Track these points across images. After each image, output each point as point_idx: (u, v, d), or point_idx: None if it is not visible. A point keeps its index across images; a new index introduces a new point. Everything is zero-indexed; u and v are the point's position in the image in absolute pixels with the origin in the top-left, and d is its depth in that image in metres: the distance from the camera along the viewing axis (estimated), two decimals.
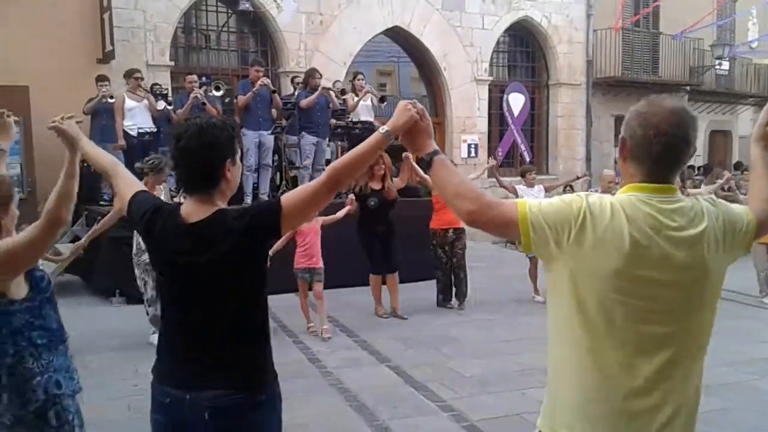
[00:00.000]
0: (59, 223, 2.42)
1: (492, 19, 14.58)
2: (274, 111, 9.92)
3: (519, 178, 9.18)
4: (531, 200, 1.85)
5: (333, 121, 10.23)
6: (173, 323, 2.24)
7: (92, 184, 9.14)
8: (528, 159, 15.22)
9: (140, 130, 9.21)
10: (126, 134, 9.13)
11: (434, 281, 8.33)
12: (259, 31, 12.75)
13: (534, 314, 7.82)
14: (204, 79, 10.39)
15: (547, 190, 8.89)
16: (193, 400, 2.11)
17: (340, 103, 10.19)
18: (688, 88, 17.72)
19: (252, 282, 2.17)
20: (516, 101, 14.99)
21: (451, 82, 14.26)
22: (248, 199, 9.45)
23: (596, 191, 9.18)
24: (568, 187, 11.18)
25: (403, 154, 7.65)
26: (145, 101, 9.32)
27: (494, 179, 9.20)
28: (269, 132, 9.66)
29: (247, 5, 11.74)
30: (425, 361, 6.05)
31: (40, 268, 2.61)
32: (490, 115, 14.95)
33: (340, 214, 7.11)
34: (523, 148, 15.21)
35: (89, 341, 6.52)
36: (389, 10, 13.36)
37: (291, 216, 2.12)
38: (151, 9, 11.26)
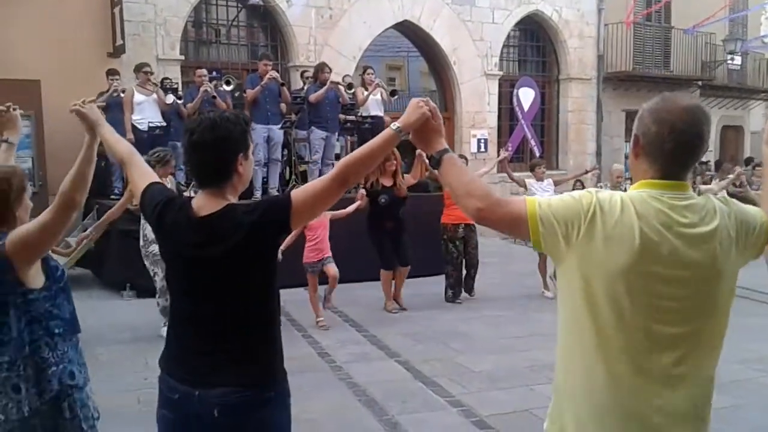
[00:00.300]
0: (73, 206, 2.42)
1: (502, 13, 14.52)
2: (283, 105, 9.93)
3: (529, 172, 9.16)
4: (540, 197, 1.84)
5: (342, 115, 10.23)
6: (182, 316, 2.23)
7: (103, 178, 9.20)
8: (538, 154, 15.14)
9: (150, 124, 9.24)
10: (135, 128, 9.16)
11: (442, 276, 8.33)
12: (268, 26, 12.75)
13: (544, 310, 7.80)
14: (214, 73, 10.41)
15: (556, 184, 8.87)
16: (202, 397, 2.10)
17: (350, 98, 10.18)
18: (699, 83, 17.61)
19: (262, 277, 2.16)
20: (526, 96, 14.93)
21: (461, 77, 14.21)
22: (258, 194, 9.47)
23: (605, 186, 9.19)
24: (578, 182, 11.15)
25: (417, 151, 7.64)
26: (154, 95, 9.34)
27: (505, 173, 9.18)
28: (278, 126, 9.67)
29: None
30: (434, 356, 6.05)
31: (54, 258, 2.61)
32: (500, 109, 14.90)
33: (350, 209, 7.13)
34: (533, 143, 15.16)
35: (100, 334, 6.56)
36: (399, 4, 13.33)
37: (301, 211, 2.11)
38: (162, 3, 11.28)
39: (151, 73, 9.56)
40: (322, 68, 9.96)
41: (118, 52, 10.57)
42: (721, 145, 19.31)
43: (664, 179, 1.80)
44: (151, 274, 6.43)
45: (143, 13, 11.15)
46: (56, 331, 2.48)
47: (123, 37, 10.44)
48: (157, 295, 6.41)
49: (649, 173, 1.82)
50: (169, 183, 6.49)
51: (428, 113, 2.04)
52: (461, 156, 8.75)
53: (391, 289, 7.84)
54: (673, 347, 1.77)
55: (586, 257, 1.75)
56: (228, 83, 9.67)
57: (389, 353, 6.17)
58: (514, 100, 14.89)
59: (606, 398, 1.78)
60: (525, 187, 8.70)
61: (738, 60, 18.24)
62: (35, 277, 2.43)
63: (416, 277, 8.66)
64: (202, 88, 9.25)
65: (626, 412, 1.77)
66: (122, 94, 9.23)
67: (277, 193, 9.13)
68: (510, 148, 14.44)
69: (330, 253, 7.04)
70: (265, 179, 9.62)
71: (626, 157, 16.95)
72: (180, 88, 10.18)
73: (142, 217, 6.43)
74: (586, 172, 10.65)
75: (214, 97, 9.22)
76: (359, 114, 10.30)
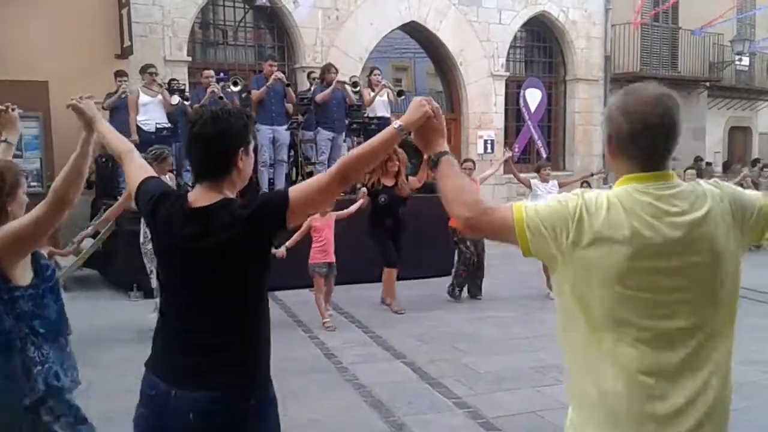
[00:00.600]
0: (66, 203, 2.38)
1: (509, 14, 14.50)
2: (290, 106, 9.95)
3: (534, 173, 9.15)
4: (527, 202, 1.82)
5: (349, 117, 10.24)
6: (168, 313, 2.18)
7: (110, 179, 9.23)
8: (545, 155, 15.13)
9: (158, 125, 9.27)
10: (140, 129, 9.19)
11: (448, 277, 8.37)
12: (275, 27, 12.77)
13: (550, 311, 7.76)
14: (221, 74, 10.44)
15: (561, 185, 8.86)
16: (178, 398, 2.04)
17: (357, 99, 10.19)
18: (707, 83, 17.54)
19: (253, 274, 2.11)
20: (533, 97, 14.91)
21: (468, 78, 14.20)
22: None
23: (611, 187, 9.14)
24: (585, 183, 11.12)
25: (425, 155, 7.64)
26: (160, 96, 9.37)
27: (511, 174, 9.18)
28: (284, 127, 9.68)
29: (263, 1, 11.76)
30: (441, 358, 6.05)
31: (46, 256, 2.59)
32: (506, 110, 14.88)
33: (353, 208, 7.17)
34: (539, 144, 15.14)
35: (106, 334, 6.59)
36: (406, 5, 13.33)
37: (298, 208, 2.08)
38: (169, 4, 11.32)
39: (157, 74, 9.59)
40: (328, 69, 9.97)
41: (125, 53, 10.61)
42: (729, 146, 19.22)
43: (647, 171, 1.76)
44: (148, 271, 6.55)
45: (151, 14, 11.19)
46: (41, 330, 2.43)
47: (131, 39, 10.49)
48: (154, 294, 6.54)
49: (629, 169, 1.79)
50: (169, 181, 6.56)
51: (430, 112, 2.02)
52: (469, 160, 8.77)
53: (394, 288, 7.84)
54: (684, 342, 1.72)
55: (580, 261, 1.72)
56: (235, 84, 9.70)
57: (395, 354, 6.16)
58: (521, 101, 14.87)
59: (620, 403, 1.72)
60: (530, 187, 8.71)
61: (746, 61, 18.17)
62: (22, 274, 2.40)
63: (421, 279, 8.67)
64: (209, 89, 9.27)
65: (642, 416, 1.71)
66: (131, 96, 9.27)
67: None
68: (516, 150, 14.47)
69: (334, 259, 7.02)
70: (271, 180, 9.63)
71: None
72: (187, 89, 10.21)
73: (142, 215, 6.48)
74: (592, 174, 10.64)
75: (221, 98, 9.24)
76: (366, 115, 10.30)
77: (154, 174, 2.38)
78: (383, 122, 10.11)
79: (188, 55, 11.67)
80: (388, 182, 7.64)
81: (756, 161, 16.25)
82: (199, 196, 2.13)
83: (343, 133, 10.17)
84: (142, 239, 6.53)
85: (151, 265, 6.45)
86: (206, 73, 9.70)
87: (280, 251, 6.31)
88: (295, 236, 6.70)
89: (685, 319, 1.72)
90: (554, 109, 15.91)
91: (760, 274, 8.03)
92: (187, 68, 11.58)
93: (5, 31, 9.71)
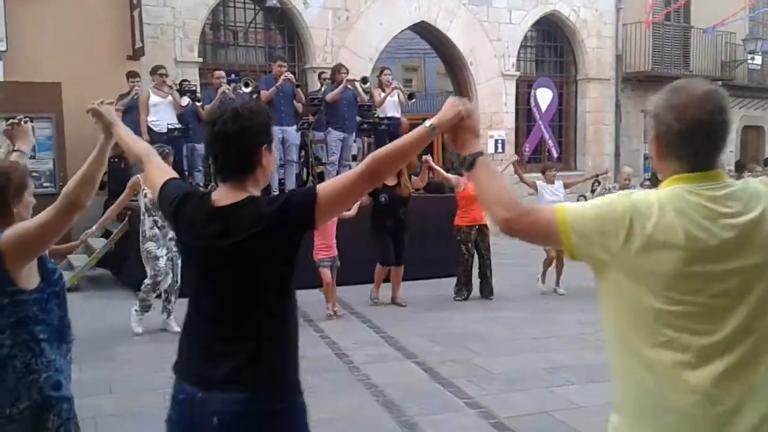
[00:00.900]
0: (76, 207, 2.34)
1: (520, 13, 14.47)
2: (300, 106, 9.97)
3: (540, 174, 9.14)
4: (570, 204, 1.75)
5: (358, 118, 10.25)
6: (194, 314, 2.13)
7: (122, 179, 9.26)
8: (556, 155, 15.10)
9: (169, 126, 9.32)
10: (150, 130, 9.24)
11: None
12: (285, 28, 12.80)
13: (561, 311, 7.77)
14: (232, 75, 10.47)
15: (566, 186, 8.86)
16: (203, 401, 1.99)
17: (368, 99, 10.20)
18: (719, 83, 17.38)
19: (279, 273, 2.05)
20: (544, 96, 14.87)
21: (478, 78, 14.18)
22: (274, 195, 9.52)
23: (614, 188, 9.12)
24: (596, 182, 11.07)
25: (423, 157, 7.70)
26: (170, 97, 9.41)
27: (517, 175, 9.17)
28: (293, 128, 9.71)
29: (274, 2, 11.79)
30: (452, 358, 6.04)
31: (52, 260, 2.50)
32: (517, 110, 14.85)
33: (354, 208, 7.19)
34: (550, 144, 15.09)
35: (119, 333, 6.63)
36: (416, 5, 13.33)
37: (327, 206, 2.00)
38: (180, 6, 11.37)
39: (166, 76, 9.63)
40: (339, 69, 9.99)
41: (137, 54, 10.66)
42: (742, 145, 19.09)
43: (697, 171, 1.69)
44: (147, 270, 6.64)
45: (162, 16, 11.25)
46: (41, 336, 2.33)
47: (142, 40, 10.54)
48: (142, 290, 6.65)
49: (678, 169, 1.72)
50: None
51: (464, 112, 1.96)
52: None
53: (381, 282, 7.99)
54: (738, 346, 1.64)
55: (630, 266, 1.64)
56: (246, 85, 9.73)
57: (407, 354, 6.16)
58: (532, 100, 14.83)
59: (674, 417, 1.64)
60: (535, 189, 8.69)
61: (758, 59, 18.02)
62: (28, 277, 2.32)
63: (433, 278, 8.66)
64: (220, 90, 9.31)
65: (696, 422, 1.64)
66: (141, 96, 9.33)
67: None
68: (527, 151, 14.43)
69: (336, 252, 7.26)
70: (282, 181, 9.66)
71: (646, 158, 16.85)
72: (198, 90, 10.25)
73: (141, 214, 6.55)
74: (597, 175, 10.59)
75: (232, 99, 9.27)
76: (376, 115, 10.32)
77: (175, 175, 2.34)
78: (394, 122, 10.15)
79: (199, 56, 11.71)
80: (390, 181, 7.65)
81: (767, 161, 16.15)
82: (223, 195, 2.07)
83: (354, 134, 10.18)
84: (140, 238, 6.66)
85: (147, 265, 6.59)
86: (217, 74, 9.75)
87: None
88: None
89: (739, 323, 1.64)
90: (565, 108, 15.85)
91: None
92: (198, 69, 11.62)
93: (19, 33, 9.79)
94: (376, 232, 7.85)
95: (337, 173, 9.88)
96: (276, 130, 9.45)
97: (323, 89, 10.15)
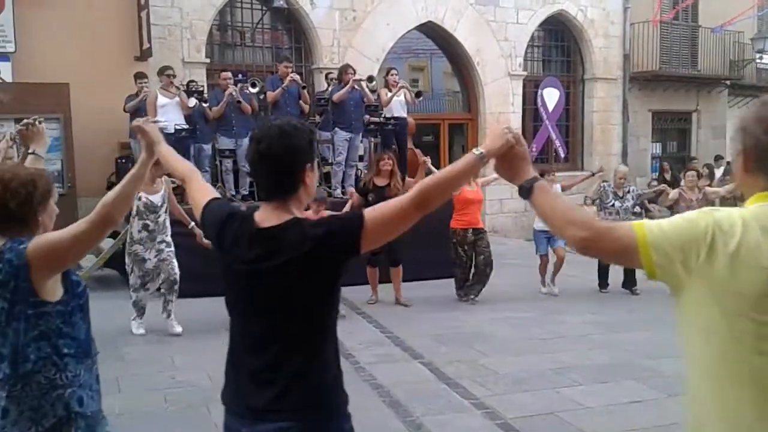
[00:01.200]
0: (111, 223, 2.30)
1: (527, 13, 14.44)
2: (306, 106, 9.99)
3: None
4: (649, 221, 1.70)
5: (366, 117, 10.25)
6: (238, 339, 2.10)
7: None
8: (562, 155, 15.07)
9: (176, 127, 9.34)
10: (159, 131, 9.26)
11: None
12: (292, 28, 12.81)
13: (568, 312, 7.75)
14: (239, 75, 10.48)
15: (564, 188, 8.85)
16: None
17: (375, 99, 10.20)
18: (727, 82, 17.36)
19: (321, 298, 2.02)
20: (551, 96, 14.84)
21: (485, 78, 14.16)
22: None
23: (609, 186, 9.09)
24: (604, 182, 11.03)
25: (421, 159, 7.70)
26: (177, 98, 9.44)
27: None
28: None
29: (281, 2, 11.79)
30: (459, 358, 6.03)
31: (76, 273, 2.44)
32: (524, 110, 14.82)
33: (346, 208, 7.20)
34: (557, 143, 15.06)
35: (127, 333, 6.66)
36: (422, 5, 13.32)
37: (374, 233, 1.97)
38: (187, 7, 11.40)
39: (174, 76, 9.65)
40: (345, 70, 9.99)
41: (145, 55, 10.70)
42: None
43: None
44: (128, 270, 6.72)
45: (169, 17, 11.27)
46: (65, 350, 2.27)
47: (150, 41, 10.57)
48: (130, 290, 6.77)
49: (766, 185, 1.67)
50: (164, 184, 6.68)
51: (512, 140, 1.94)
52: (545, 173, 8.64)
53: (376, 283, 8.02)
54: None
55: (712, 285, 1.59)
56: (254, 85, 9.74)
57: (413, 354, 6.16)
58: (539, 100, 14.80)
59: None
60: None
61: (766, 59, 17.95)
62: (52, 289, 2.25)
63: (438, 279, 8.65)
64: (227, 92, 9.33)
65: None
66: (149, 97, 9.35)
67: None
68: (534, 151, 14.40)
69: None
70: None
71: (656, 158, 16.79)
72: (205, 91, 10.27)
73: (132, 216, 6.55)
74: (593, 174, 10.57)
75: (239, 101, 9.31)
76: (383, 115, 10.31)
77: (217, 195, 2.31)
78: (400, 122, 10.15)
79: (206, 57, 11.74)
80: (382, 182, 7.63)
81: None
82: (267, 216, 2.04)
83: (360, 134, 10.18)
84: (128, 239, 6.73)
85: (133, 265, 6.65)
86: (224, 75, 9.77)
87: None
88: None
89: None
90: (572, 108, 15.81)
91: None
92: (206, 70, 11.65)
93: (27, 35, 9.84)
94: None
95: (344, 174, 9.90)
96: None
97: (330, 89, 10.16)
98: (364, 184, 7.67)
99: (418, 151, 10.62)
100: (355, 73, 10.04)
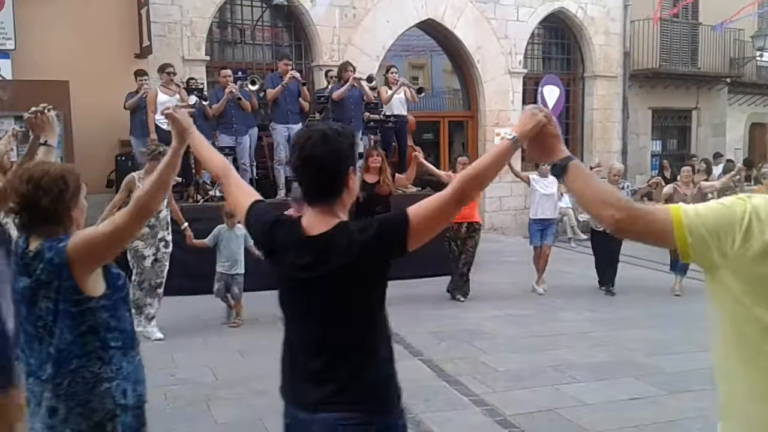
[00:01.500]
0: (148, 213, 2.32)
1: (527, 10, 14.42)
2: (306, 104, 9.98)
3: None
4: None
5: (366, 114, 10.25)
6: (294, 340, 2.14)
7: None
8: None
9: None
10: (159, 128, 9.26)
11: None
12: (292, 25, 12.80)
13: (568, 309, 7.76)
14: (239, 73, 10.48)
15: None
16: (306, 422, 2.04)
17: (375, 96, 10.19)
18: (728, 80, 17.35)
19: (373, 298, 2.09)
20: (551, 94, 14.80)
21: (485, 75, 14.15)
22: (281, 193, 9.54)
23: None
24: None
25: (413, 153, 7.66)
26: (177, 96, 9.43)
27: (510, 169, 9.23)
28: (298, 125, 9.70)
29: None
30: (458, 355, 6.04)
31: (116, 266, 2.44)
32: (524, 107, 14.78)
33: None
34: None
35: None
36: (422, 2, 13.31)
37: (418, 229, 2.01)
38: (187, 4, 11.38)
39: (174, 74, 9.65)
40: (345, 67, 9.99)
41: (144, 53, 10.69)
42: (750, 142, 19.01)
43: None
44: (131, 265, 6.62)
45: (169, 14, 11.26)
46: (113, 344, 2.29)
47: (150, 38, 10.56)
48: (134, 286, 6.62)
49: None
50: None
51: (544, 120, 1.96)
52: (464, 155, 8.73)
53: None
54: None
55: (746, 270, 1.59)
56: (253, 83, 9.75)
57: (413, 352, 6.17)
58: (539, 97, 14.75)
59: None
60: (528, 183, 8.84)
61: (767, 56, 17.93)
62: (95, 285, 2.26)
63: (439, 276, 8.66)
64: (227, 90, 9.33)
65: None
66: (149, 94, 9.35)
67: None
68: None
69: None
70: (288, 178, 9.68)
71: (656, 156, 16.77)
72: (205, 89, 10.27)
73: None
74: (591, 168, 10.59)
75: (239, 99, 9.31)
76: (383, 113, 10.31)
77: (259, 197, 2.32)
78: (400, 120, 10.14)
79: (206, 55, 11.73)
80: (371, 179, 7.57)
81: None
82: (314, 222, 2.07)
83: (360, 131, 10.18)
84: None
85: (134, 261, 6.58)
86: (224, 72, 9.76)
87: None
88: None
89: None
90: (572, 105, 15.79)
91: None
92: (206, 67, 11.63)
93: (27, 32, 9.82)
94: None
95: None
96: (282, 128, 9.52)
97: (330, 87, 10.15)
98: None
99: (410, 145, 10.60)
100: (355, 70, 10.04)
